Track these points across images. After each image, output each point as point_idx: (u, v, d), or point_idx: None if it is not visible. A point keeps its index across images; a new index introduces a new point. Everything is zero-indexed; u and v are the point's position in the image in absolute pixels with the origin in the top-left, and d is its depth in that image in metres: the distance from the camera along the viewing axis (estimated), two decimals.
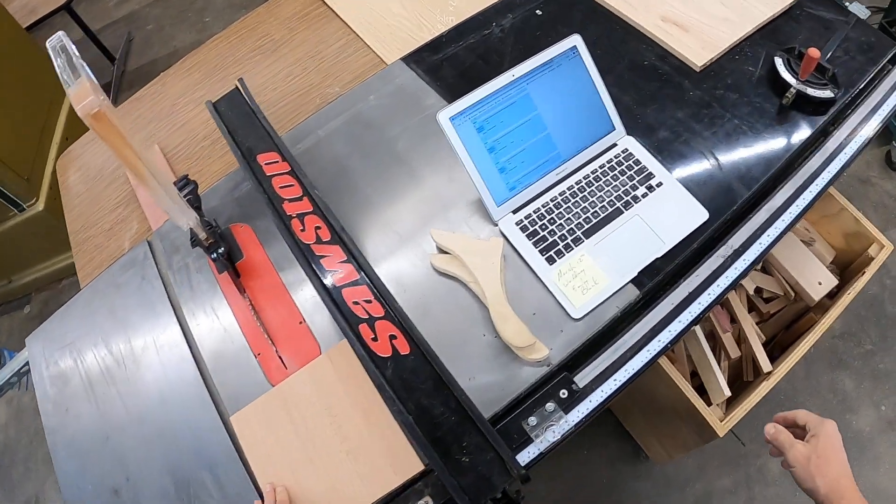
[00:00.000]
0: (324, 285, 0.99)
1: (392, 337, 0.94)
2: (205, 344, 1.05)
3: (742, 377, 1.36)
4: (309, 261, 1.00)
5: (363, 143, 1.24)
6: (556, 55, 1.24)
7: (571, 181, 1.27)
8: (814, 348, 1.30)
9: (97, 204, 1.27)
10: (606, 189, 1.25)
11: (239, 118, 1.21)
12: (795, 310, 1.42)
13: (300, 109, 1.35)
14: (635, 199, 1.23)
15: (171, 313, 1.08)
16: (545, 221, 1.22)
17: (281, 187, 1.10)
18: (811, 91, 1.06)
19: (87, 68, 0.70)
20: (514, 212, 1.25)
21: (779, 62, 1.09)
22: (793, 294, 1.36)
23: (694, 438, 1.27)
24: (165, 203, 0.88)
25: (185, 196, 1.03)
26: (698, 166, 1.15)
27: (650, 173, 1.26)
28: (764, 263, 1.35)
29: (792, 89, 1.07)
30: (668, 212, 1.21)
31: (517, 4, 1.37)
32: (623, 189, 1.25)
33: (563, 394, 0.91)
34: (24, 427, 2.33)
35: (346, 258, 1.01)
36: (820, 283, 1.33)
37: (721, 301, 1.08)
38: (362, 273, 0.98)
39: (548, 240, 1.20)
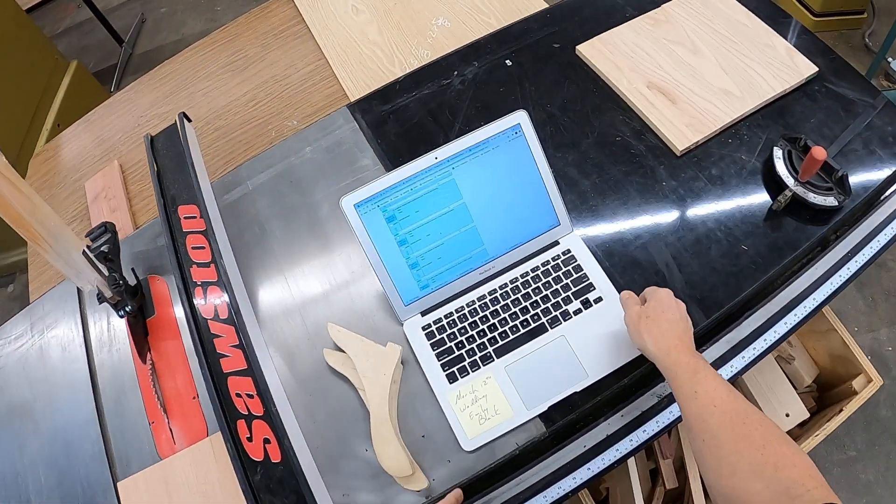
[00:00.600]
0: (210, 368, 0.92)
1: (266, 441, 0.87)
2: (108, 395, 1.02)
3: None
4: (202, 337, 0.93)
5: (287, 204, 1.12)
6: (494, 134, 1.04)
7: (497, 283, 1.10)
8: None
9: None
10: (535, 298, 1.08)
11: (171, 159, 1.11)
12: None
13: (253, 142, 1.26)
14: (566, 314, 1.06)
15: (84, 357, 1.04)
16: (455, 330, 1.07)
17: (193, 248, 1.02)
18: (811, 197, 0.86)
19: None
20: (424, 313, 1.10)
21: (777, 154, 0.87)
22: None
23: None
24: (64, 268, 0.85)
25: (100, 245, 1.00)
26: (653, 278, 0.98)
27: (590, 284, 1.07)
28: (733, 382, 1.14)
29: (787, 192, 0.86)
30: (601, 336, 1.04)
31: (487, 50, 1.17)
32: (555, 301, 1.07)
33: None
34: None
35: (238, 342, 0.94)
36: (788, 415, 1.17)
37: (648, 444, 0.95)
38: (251, 364, 0.91)
39: (453, 353, 1.05)
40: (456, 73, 1.17)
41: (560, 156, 1.03)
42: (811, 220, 0.89)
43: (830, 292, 0.88)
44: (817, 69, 0.91)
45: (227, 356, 0.93)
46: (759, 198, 0.91)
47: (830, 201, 0.86)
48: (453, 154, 1.04)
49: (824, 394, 1.24)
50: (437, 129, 1.11)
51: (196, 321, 0.94)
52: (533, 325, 1.06)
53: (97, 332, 1.06)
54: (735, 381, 0.88)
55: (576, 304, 1.06)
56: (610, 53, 0.90)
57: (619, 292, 1.01)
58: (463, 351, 1.05)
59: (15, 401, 1.05)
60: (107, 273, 0.95)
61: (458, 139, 1.04)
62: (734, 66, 0.83)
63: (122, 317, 0.99)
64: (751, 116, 0.94)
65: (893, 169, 0.92)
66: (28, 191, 0.76)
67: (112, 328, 1.06)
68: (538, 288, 1.08)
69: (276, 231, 1.09)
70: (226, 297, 0.96)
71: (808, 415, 1.16)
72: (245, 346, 0.92)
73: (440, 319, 1.08)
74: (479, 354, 1.05)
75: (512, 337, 1.05)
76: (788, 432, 1.18)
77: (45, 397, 1.03)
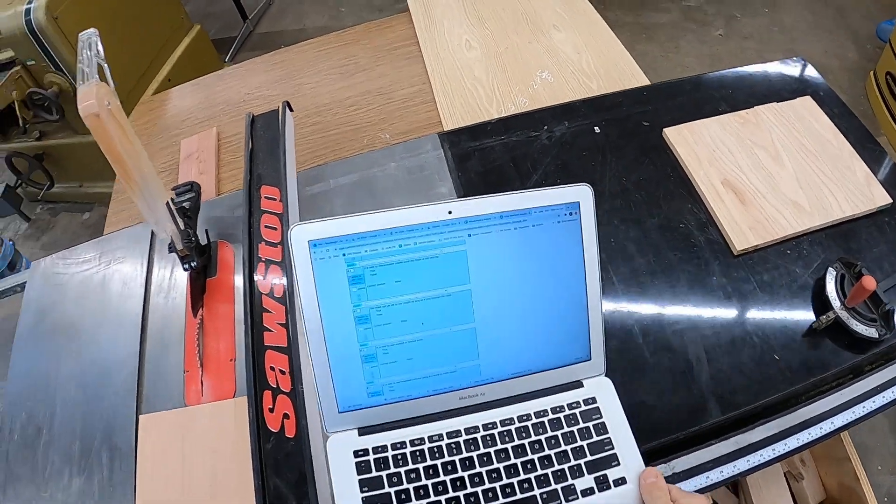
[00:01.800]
0: (253, 337, 0.94)
1: (285, 416, 0.87)
2: (153, 337, 1.04)
3: None
4: (253, 308, 0.97)
5: (360, 210, 0.94)
6: (542, 206, 0.70)
7: (482, 419, 0.75)
8: None
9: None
10: (531, 457, 0.73)
11: (266, 141, 1.17)
12: None
13: (344, 145, 1.30)
14: (571, 492, 0.71)
15: (142, 297, 1.07)
16: (403, 472, 0.70)
17: (266, 226, 1.06)
18: (853, 324, 0.84)
19: (107, 72, 0.75)
20: (363, 432, 0.73)
21: (830, 276, 0.85)
22: None
23: None
24: (147, 213, 0.90)
25: (183, 201, 1.06)
26: (680, 366, 0.87)
27: (613, 455, 0.73)
28: (734, 483, 1.13)
29: (831, 314, 0.84)
30: None
31: (580, 114, 1.13)
32: (559, 467, 0.72)
33: None
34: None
35: (284, 322, 0.95)
36: None
37: None
38: (290, 345, 0.93)
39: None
40: (546, 127, 1.12)
41: (623, 229, 0.97)
42: (848, 346, 0.87)
43: (850, 420, 0.84)
44: (892, 201, 0.91)
45: (272, 331, 0.95)
46: (803, 314, 0.89)
47: (871, 332, 0.85)
48: (477, 215, 0.70)
49: None
50: (515, 177, 1.05)
51: (252, 292, 0.98)
52: (519, 494, 0.71)
53: (158, 278, 1.09)
54: (734, 482, 0.84)
55: (587, 481, 0.71)
56: (694, 142, 0.92)
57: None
58: None
59: (65, 318, 1.07)
60: (182, 227, 0.97)
61: (491, 196, 0.71)
62: (810, 181, 0.87)
63: (186, 270, 1.02)
64: (815, 233, 0.92)
65: None
66: (132, 135, 0.81)
67: (174, 278, 1.09)
68: (539, 442, 0.73)
69: None
70: (284, 280, 0.99)
71: None
72: (289, 327, 0.94)
73: (384, 448, 0.72)
74: None
75: None
76: None
77: (93, 323, 1.06)
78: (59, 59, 2.26)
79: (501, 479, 0.71)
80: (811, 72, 1.08)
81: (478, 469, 0.71)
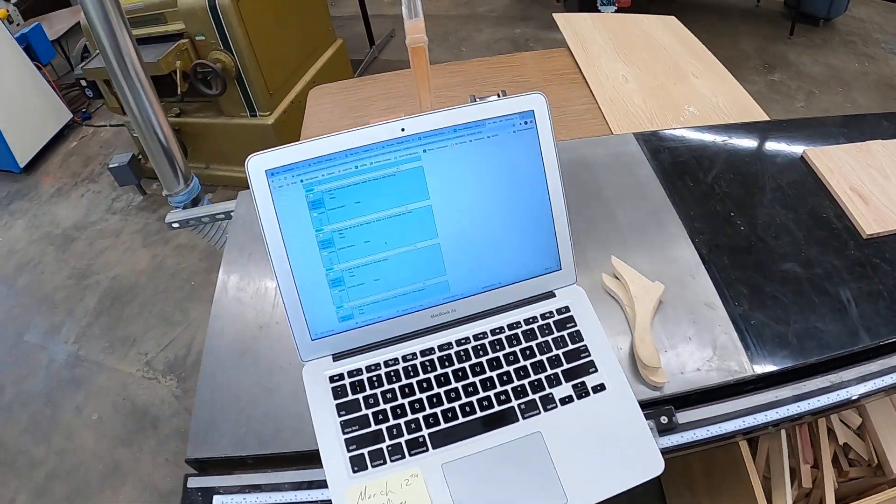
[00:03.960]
0: None
1: None
2: None
3: None
4: None
5: (579, 180, 1.14)
6: (494, 116, 0.71)
7: (454, 335, 0.76)
8: None
9: (335, 132, 1.20)
10: (506, 369, 0.73)
11: None
12: (874, 483, 1.28)
13: None
14: (548, 401, 0.71)
15: None
16: (378, 393, 0.72)
17: None
18: None
19: (421, 13, 0.88)
20: (337, 358, 0.75)
21: None
22: (876, 461, 1.26)
23: None
24: None
25: None
26: (835, 306, 0.90)
27: (590, 362, 0.74)
28: (861, 427, 1.28)
29: None
30: (596, 443, 0.70)
31: (739, 131, 1.24)
32: (535, 377, 0.73)
33: (664, 420, 0.76)
34: (155, 281, 2.62)
35: None
36: None
37: (813, 417, 0.83)
38: None
39: (368, 426, 0.70)
40: (714, 138, 1.22)
41: (783, 211, 1.04)
42: None
43: None
44: None
45: None
46: None
47: None
48: (430, 130, 0.71)
49: None
50: (698, 168, 1.12)
51: None
52: (497, 407, 0.71)
53: None
54: (852, 406, 0.89)
55: (565, 389, 0.72)
56: (827, 161, 1.12)
57: (625, 398, 0.70)
58: (383, 427, 0.70)
59: None
60: None
61: (443, 109, 0.72)
62: None
63: None
64: None
65: None
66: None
67: None
68: (514, 354, 0.74)
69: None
70: None
71: None
72: None
73: (359, 371, 0.73)
74: (406, 436, 0.69)
75: (461, 420, 0.70)
76: None
77: None
78: (232, 38, 2.44)
79: (478, 393, 0.72)
80: None
81: (453, 385, 0.73)
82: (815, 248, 0.99)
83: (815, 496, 1.29)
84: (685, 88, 1.45)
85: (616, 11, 3.53)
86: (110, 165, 2.83)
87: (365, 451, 0.69)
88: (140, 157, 2.87)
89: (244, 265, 0.98)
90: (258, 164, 0.69)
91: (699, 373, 0.80)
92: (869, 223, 1.02)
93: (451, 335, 0.76)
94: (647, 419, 0.74)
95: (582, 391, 0.73)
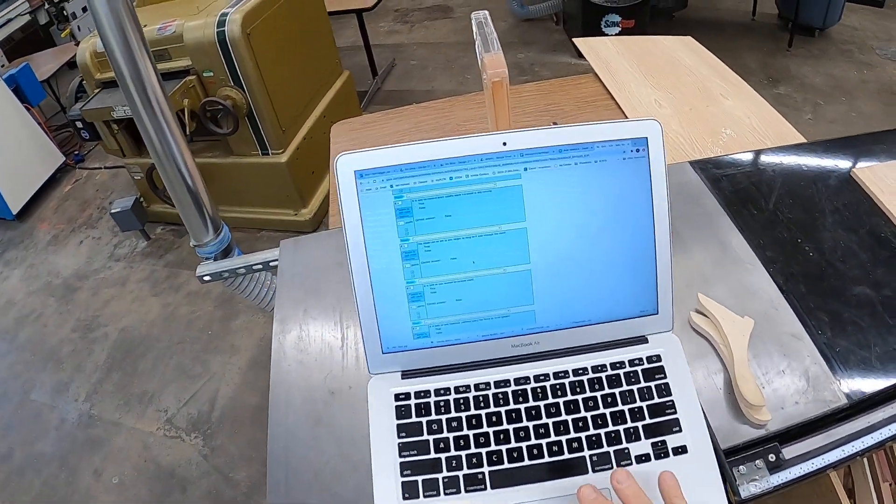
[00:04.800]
0: None
1: None
2: None
3: None
4: None
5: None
6: (604, 140, 0.66)
7: (533, 370, 0.71)
8: None
9: None
10: (584, 414, 0.69)
11: None
12: None
13: None
14: (624, 455, 0.66)
15: None
16: (444, 420, 0.68)
17: None
18: None
19: (499, 45, 0.83)
20: (406, 375, 0.71)
21: None
22: None
23: None
24: None
25: None
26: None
27: (675, 420, 0.68)
28: None
29: None
30: None
31: (787, 153, 1.23)
32: (613, 428, 0.67)
33: (771, 458, 0.74)
34: (169, 332, 2.51)
35: None
36: None
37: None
38: None
39: (427, 452, 0.66)
40: (764, 162, 1.21)
41: (843, 229, 1.03)
42: None
43: None
44: None
45: None
46: None
47: None
48: (533, 147, 0.67)
49: None
50: (758, 196, 1.10)
51: None
52: (567, 454, 0.66)
53: None
54: None
55: (643, 445, 0.66)
56: (877, 180, 1.11)
57: (706, 465, 0.67)
58: (443, 456, 0.66)
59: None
60: None
61: (549, 127, 0.67)
62: None
63: None
64: None
65: None
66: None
67: None
68: (594, 399, 0.69)
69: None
70: None
71: None
72: None
73: (427, 394, 0.70)
74: (465, 470, 0.65)
75: (527, 462, 0.66)
76: None
77: None
78: (243, 74, 2.36)
79: (549, 436, 0.67)
80: None
81: (524, 423, 0.68)
82: (881, 269, 0.97)
83: None
84: (717, 110, 1.43)
85: (620, 33, 3.56)
86: (112, 210, 2.74)
87: (419, 478, 0.65)
88: (143, 200, 2.79)
89: (301, 322, 0.91)
90: (347, 164, 0.67)
91: (797, 406, 0.78)
92: None
93: (529, 369, 0.71)
94: (754, 458, 0.73)
95: (661, 451, 0.66)
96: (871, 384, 0.79)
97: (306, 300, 0.94)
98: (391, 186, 0.67)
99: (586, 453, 0.66)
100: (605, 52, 1.68)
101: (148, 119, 0.95)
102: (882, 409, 0.80)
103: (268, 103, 2.47)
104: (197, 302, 2.59)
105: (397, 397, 0.70)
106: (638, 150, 0.68)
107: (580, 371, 0.70)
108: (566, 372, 0.70)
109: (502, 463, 0.66)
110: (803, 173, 1.18)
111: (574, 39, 1.76)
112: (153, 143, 0.97)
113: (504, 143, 0.67)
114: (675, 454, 0.66)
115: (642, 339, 0.73)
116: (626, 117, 1.41)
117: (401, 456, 0.67)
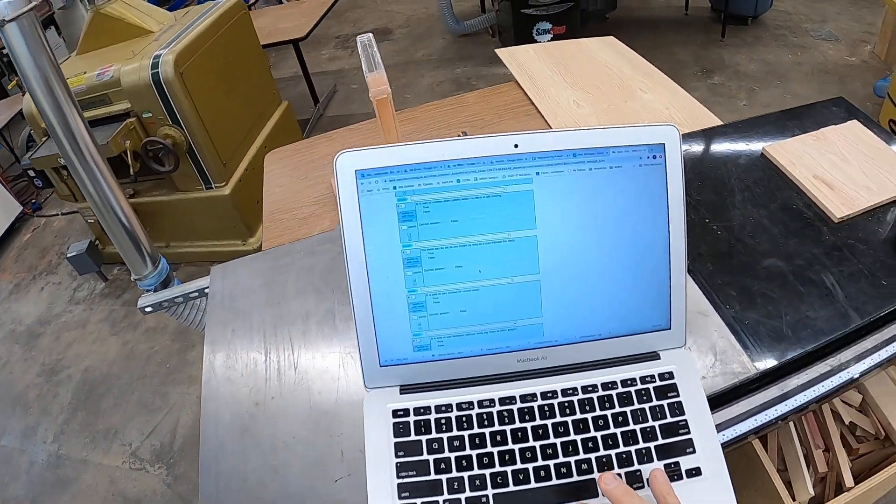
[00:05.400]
0: None
1: None
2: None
3: (823, 500, 1.31)
4: None
5: None
6: (621, 145, 0.63)
7: (540, 387, 0.67)
8: None
9: (296, 196, 1.38)
10: (593, 434, 0.65)
11: None
12: (885, 454, 1.36)
13: None
14: (635, 479, 0.64)
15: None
16: (445, 439, 0.64)
17: None
18: None
19: (381, 65, 0.86)
20: (405, 391, 0.66)
21: None
22: (883, 434, 1.33)
23: None
24: None
25: None
26: (822, 292, 0.94)
27: (688, 441, 0.64)
28: (863, 403, 1.36)
29: None
30: None
31: (696, 138, 1.28)
32: (625, 449, 0.64)
33: None
34: (129, 369, 2.56)
35: None
36: None
37: (818, 404, 0.84)
38: None
39: (427, 473, 0.63)
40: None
41: (755, 210, 1.08)
42: None
43: None
44: None
45: None
46: (892, 257, 1.02)
47: None
48: (546, 151, 0.63)
49: None
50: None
51: None
52: (576, 476, 0.62)
53: None
54: (853, 386, 0.90)
55: (655, 467, 0.62)
56: (787, 154, 1.18)
57: (720, 487, 0.61)
58: (444, 477, 0.62)
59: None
60: None
61: (563, 129, 0.63)
62: (873, 173, 1.14)
63: None
64: (885, 207, 1.10)
65: None
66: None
67: None
68: (604, 418, 0.65)
69: None
70: None
71: None
72: None
73: (427, 410, 0.65)
74: (468, 493, 0.61)
75: (533, 485, 0.62)
76: None
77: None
78: (180, 112, 2.43)
79: (557, 457, 0.63)
80: (850, 108, 1.32)
81: (531, 443, 0.64)
82: (792, 241, 1.04)
83: (831, 479, 1.35)
84: (637, 105, 1.48)
85: (552, 39, 3.62)
86: (68, 255, 2.80)
87: (418, 501, 0.61)
88: (98, 242, 2.83)
89: (229, 342, 0.94)
90: (348, 162, 0.63)
91: (705, 381, 0.79)
92: (838, 207, 1.09)
93: (536, 386, 0.67)
94: None
95: (674, 473, 0.63)
96: (781, 353, 0.82)
97: (234, 321, 0.96)
98: (394, 188, 0.63)
99: (596, 475, 0.62)
100: (527, 59, 1.72)
101: (80, 166, 1.00)
102: (795, 377, 0.83)
103: (206, 139, 2.55)
104: (155, 337, 2.66)
105: (395, 414, 0.66)
106: (655, 157, 0.65)
107: (589, 388, 0.67)
108: (575, 389, 0.67)
109: (507, 485, 0.62)
110: (713, 156, 1.22)
111: (496, 50, 1.80)
112: (87, 188, 1.02)
113: (515, 146, 0.63)
114: (688, 476, 0.63)
115: (654, 356, 0.69)
116: (546, 121, 1.45)
117: (398, 476, 0.62)
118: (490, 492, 0.61)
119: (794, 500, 1.19)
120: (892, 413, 1.30)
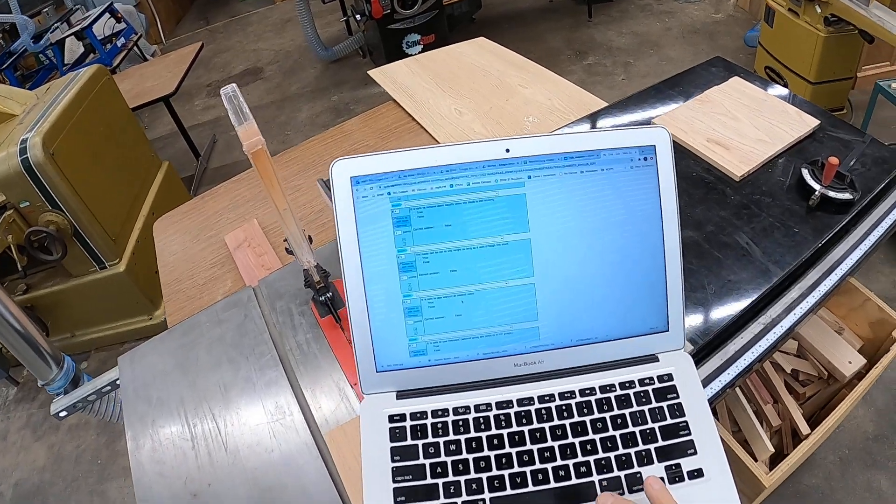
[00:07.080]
0: None
1: None
2: (304, 375, 0.96)
3: (783, 450, 1.41)
4: None
5: None
6: (612, 148, 0.64)
7: (537, 390, 0.68)
8: (849, 450, 1.55)
9: (192, 262, 1.35)
10: (592, 437, 0.65)
11: None
12: (830, 392, 1.46)
13: None
14: (635, 481, 0.63)
15: (273, 349, 0.99)
16: (442, 444, 0.64)
17: None
18: (833, 194, 1.08)
19: (250, 115, 0.81)
20: (402, 396, 0.67)
21: (805, 172, 1.12)
22: (826, 374, 1.43)
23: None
24: (297, 239, 0.91)
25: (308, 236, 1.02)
26: (739, 253, 0.99)
27: (689, 442, 0.64)
28: (800, 349, 1.45)
29: (816, 193, 1.08)
30: None
31: (583, 123, 1.32)
32: (624, 451, 0.64)
33: None
34: (60, 473, 2.46)
35: None
36: (850, 363, 1.35)
37: (760, 363, 0.87)
38: None
39: (423, 478, 0.64)
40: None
41: None
42: (836, 211, 1.06)
43: (859, 257, 1.01)
44: (819, 122, 1.19)
45: None
46: (798, 203, 1.08)
47: (847, 196, 1.05)
48: (537, 154, 0.64)
49: (872, 357, 1.37)
50: None
51: None
52: (574, 479, 0.62)
53: (283, 329, 1.05)
54: (790, 336, 0.94)
55: (656, 469, 0.63)
56: (677, 122, 1.22)
57: (724, 487, 0.59)
58: (440, 482, 0.62)
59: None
60: (314, 261, 0.96)
61: (554, 133, 0.65)
62: (763, 124, 1.19)
63: (322, 302, 1.01)
64: (780, 155, 1.16)
65: (886, 177, 1.11)
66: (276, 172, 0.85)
67: (294, 323, 1.05)
68: (602, 421, 0.65)
69: None
70: None
71: (864, 361, 1.33)
72: None
73: (423, 415, 0.66)
74: (464, 497, 0.62)
75: (531, 489, 0.62)
76: (852, 382, 1.35)
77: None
78: (57, 195, 2.30)
79: (555, 460, 0.63)
80: (728, 65, 1.41)
81: (528, 446, 0.64)
82: (699, 208, 1.07)
83: (786, 428, 1.41)
84: (518, 101, 1.49)
85: (423, 50, 3.62)
86: None
87: None
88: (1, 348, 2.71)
89: (151, 435, 0.91)
90: (343, 169, 0.64)
91: None
92: (737, 165, 1.13)
93: (533, 390, 0.67)
94: None
95: (676, 475, 0.63)
96: (713, 323, 0.85)
97: (152, 411, 0.94)
98: (388, 194, 0.65)
99: (595, 478, 0.63)
100: (401, 75, 1.72)
101: None
102: (732, 343, 0.87)
103: (91, 218, 2.43)
104: (80, 435, 2.56)
105: (391, 419, 0.66)
106: (646, 159, 0.66)
107: (587, 391, 0.67)
108: (572, 392, 0.67)
109: (504, 489, 0.62)
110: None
111: (369, 72, 1.80)
112: None
113: (507, 150, 0.65)
114: (690, 478, 0.63)
115: (652, 358, 0.70)
116: (432, 135, 1.46)
117: (394, 481, 0.63)
118: (487, 496, 0.62)
119: (755, 460, 1.19)
120: (829, 352, 1.37)
